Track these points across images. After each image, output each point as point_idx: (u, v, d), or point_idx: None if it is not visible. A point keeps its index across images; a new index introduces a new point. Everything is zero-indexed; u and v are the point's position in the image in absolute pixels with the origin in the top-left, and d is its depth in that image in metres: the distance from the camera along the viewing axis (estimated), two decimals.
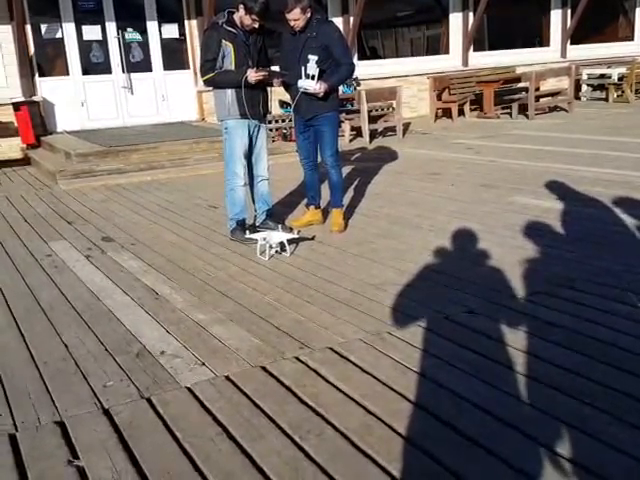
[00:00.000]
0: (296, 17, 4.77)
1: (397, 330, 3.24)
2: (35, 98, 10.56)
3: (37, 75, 10.68)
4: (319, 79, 4.85)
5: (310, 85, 4.86)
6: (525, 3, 15.56)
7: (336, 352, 3.01)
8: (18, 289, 4.16)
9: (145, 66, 11.48)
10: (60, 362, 3.05)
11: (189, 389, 2.71)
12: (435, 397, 2.58)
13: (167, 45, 11.62)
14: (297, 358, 2.96)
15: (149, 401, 2.63)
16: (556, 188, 6.26)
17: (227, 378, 2.80)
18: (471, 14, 13.98)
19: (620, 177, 6.57)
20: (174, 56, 11.72)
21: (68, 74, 10.95)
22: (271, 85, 5.02)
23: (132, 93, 11.42)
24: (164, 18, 11.49)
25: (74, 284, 4.22)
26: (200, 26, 11.48)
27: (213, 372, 2.86)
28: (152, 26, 11.41)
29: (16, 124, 10.20)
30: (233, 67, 4.81)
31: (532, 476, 2.06)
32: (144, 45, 11.44)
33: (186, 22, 11.65)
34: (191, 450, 2.28)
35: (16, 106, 10.09)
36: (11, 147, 10.31)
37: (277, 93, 6.07)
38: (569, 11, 15.33)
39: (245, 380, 2.77)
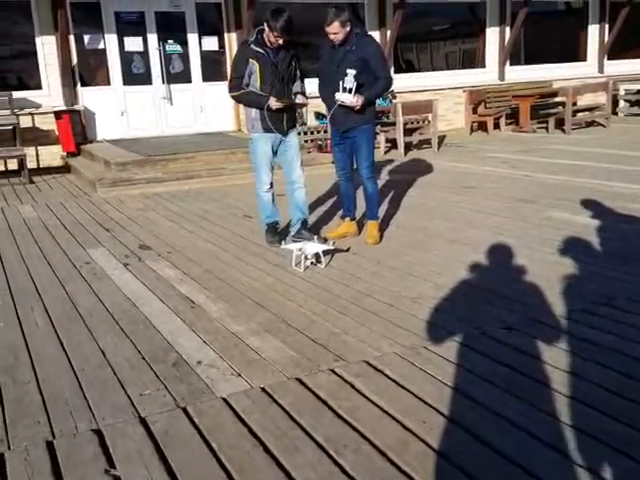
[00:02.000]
0: (335, 31, 4.80)
1: (433, 345, 3.21)
2: (76, 107, 10.79)
3: (79, 84, 10.91)
4: (356, 92, 4.87)
5: (347, 98, 4.89)
6: (562, 18, 15.43)
7: (371, 365, 2.99)
8: (57, 295, 4.24)
9: (185, 77, 11.66)
10: (98, 369, 3.09)
11: (225, 400, 2.73)
12: (471, 414, 2.54)
13: (206, 57, 11.79)
14: (332, 371, 2.96)
15: (185, 411, 2.65)
16: (593, 204, 6.17)
17: (263, 390, 2.80)
18: (507, 28, 13.91)
19: None
20: (213, 68, 11.89)
21: (109, 84, 11.18)
22: (297, 107, 5.11)
23: (171, 103, 11.61)
24: (204, 31, 11.68)
25: (112, 291, 4.29)
26: (239, 39, 11.61)
27: (249, 383, 2.87)
28: (192, 38, 11.59)
29: (57, 132, 10.46)
30: (258, 84, 4.94)
31: None
32: (184, 57, 11.63)
33: (226, 35, 11.82)
34: (226, 462, 2.29)
35: (58, 115, 10.35)
36: (52, 155, 10.59)
37: (313, 105, 6.12)
38: (606, 26, 15.14)
39: (281, 392, 2.77)
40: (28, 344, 3.44)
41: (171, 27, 11.44)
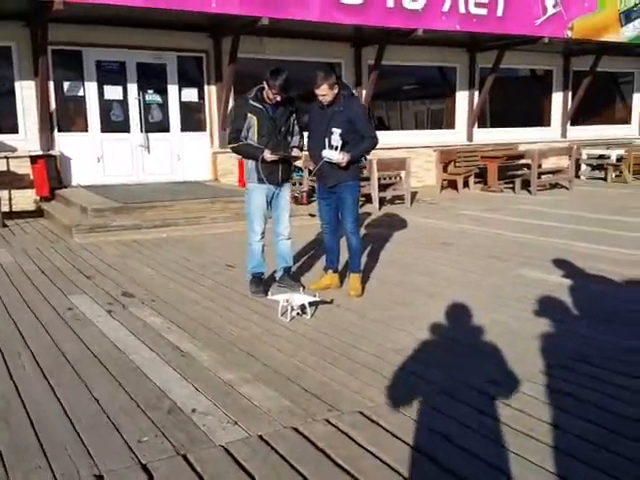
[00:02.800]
0: (324, 92, 5.04)
1: (422, 397, 3.32)
2: (52, 152, 10.84)
3: (56, 130, 10.98)
4: (342, 150, 5.09)
5: (334, 155, 5.10)
6: (527, 84, 16.22)
7: (366, 416, 3.08)
8: (43, 342, 4.23)
9: (163, 126, 11.86)
10: (93, 416, 3.11)
11: (224, 448, 2.77)
12: (466, 464, 2.64)
13: (186, 107, 12.03)
14: (327, 421, 3.04)
15: (185, 458, 2.69)
16: (562, 263, 6.42)
17: (261, 438, 2.86)
18: (476, 92, 14.55)
19: (621, 255, 6.76)
20: (192, 118, 12.12)
21: (87, 131, 11.30)
22: (290, 160, 5.31)
23: (149, 152, 11.75)
24: (185, 82, 11.94)
25: (98, 338, 4.30)
26: (219, 91, 11.95)
27: (246, 432, 2.92)
28: (172, 89, 11.85)
29: (32, 176, 10.46)
30: (256, 137, 5.17)
31: None
32: (163, 106, 11.85)
33: (206, 87, 12.11)
34: None
35: (33, 159, 10.39)
36: (25, 199, 10.58)
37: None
38: (570, 93, 15.96)
39: (278, 441, 2.83)
40: (19, 390, 3.44)
41: (151, 77, 11.68)
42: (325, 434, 2.90)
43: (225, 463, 2.65)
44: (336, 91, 5.08)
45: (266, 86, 5.04)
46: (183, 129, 12.09)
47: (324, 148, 5.12)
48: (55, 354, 4.00)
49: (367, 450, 2.75)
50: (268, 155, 5.07)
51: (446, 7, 11.74)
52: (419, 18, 11.49)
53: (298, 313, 4.75)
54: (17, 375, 3.64)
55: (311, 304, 4.78)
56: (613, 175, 14.63)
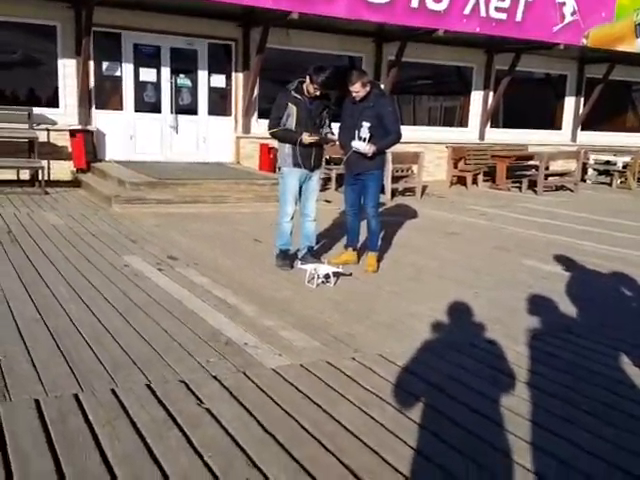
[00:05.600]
0: (357, 89, 5.74)
1: (432, 349, 4.05)
2: (90, 127, 11.59)
3: (94, 107, 11.72)
4: (369, 142, 5.79)
5: (361, 146, 5.79)
6: (541, 87, 16.84)
7: (384, 357, 3.82)
8: (113, 290, 4.98)
9: (192, 109, 12.57)
10: (167, 343, 3.87)
11: (274, 370, 3.52)
12: (461, 391, 3.37)
13: (214, 93, 12.74)
14: (353, 358, 3.78)
15: (245, 374, 3.44)
16: (560, 256, 7.12)
17: (301, 366, 3.61)
18: (491, 93, 15.19)
19: (617, 253, 7.45)
20: (219, 103, 12.84)
21: (122, 109, 12.03)
22: (325, 143, 5.98)
23: (177, 132, 12.47)
24: (214, 68, 12.64)
25: (156, 290, 5.05)
26: (245, 79, 12.66)
27: (290, 361, 3.67)
28: (202, 74, 12.55)
29: (70, 149, 11.20)
30: (294, 125, 5.79)
31: None
32: (193, 91, 12.56)
33: (233, 74, 12.80)
34: (285, 406, 3.08)
35: (72, 133, 11.13)
36: (63, 169, 11.31)
37: None
38: (582, 99, 16.59)
39: (315, 368, 3.58)
40: (102, 323, 4.20)
41: (184, 62, 12.39)
42: (352, 367, 3.65)
43: (276, 380, 3.40)
44: (368, 89, 5.77)
45: (308, 80, 5.66)
46: (210, 113, 12.80)
47: (354, 139, 5.82)
48: (125, 299, 4.76)
49: (386, 379, 3.49)
50: (307, 137, 5.68)
51: (467, 10, 12.34)
52: (441, 19, 12.11)
53: (323, 281, 5.47)
54: (98, 313, 4.40)
55: (334, 274, 5.50)
56: (618, 181, 15.27)
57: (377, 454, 2.73)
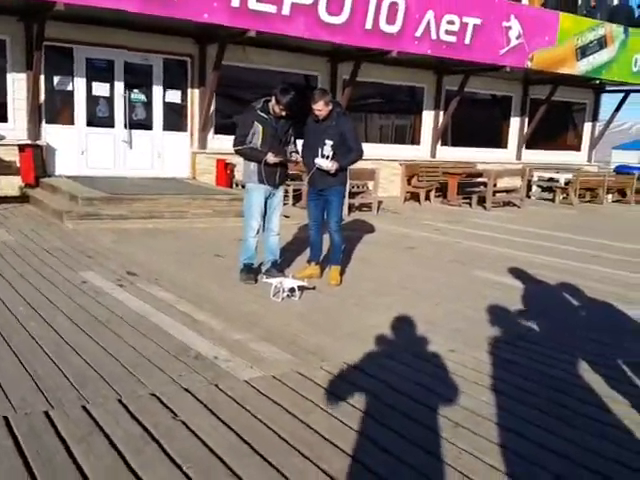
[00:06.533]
0: (320, 108, 5.86)
1: (394, 356, 4.15)
2: (39, 142, 11.37)
3: (44, 121, 11.51)
4: (332, 159, 5.91)
5: (325, 163, 5.91)
6: (489, 108, 17.41)
7: (351, 365, 3.92)
8: (72, 307, 4.91)
9: (146, 124, 12.49)
10: (135, 359, 3.85)
11: (246, 382, 3.55)
12: (425, 395, 3.48)
13: (169, 108, 12.69)
14: (322, 368, 3.86)
15: (217, 387, 3.46)
16: (512, 268, 7.37)
17: (273, 377, 3.65)
18: (441, 112, 15.62)
19: (564, 265, 7.76)
20: (174, 118, 12.78)
21: (73, 124, 11.85)
22: (288, 162, 6.08)
23: (131, 147, 12.36)
24: (169, 84, 12.61)
25: (118, 305, 5.00)
26: (202, 95, 12.66)
27: (261, 373, 3.70)
28: (157, 90, 12.50)
29: (18, 164, 10.96)
30: (260, 143, 5.86)
31: None
32: (147, 105, 12.49)
33: (189, 90, 12.80)
34: (260, 416, 3.12)
35: (21, 148, 10.91)
36: (10, 185, 11.04)
37: None
38: (526, 119, 17.22)
39: (287, 379, 3.64)
40: (64, 339, 4.14)
41: (138, 77, 12.33)
42: (322, 376, 3.72)
43: (249, 391, 3.44)
44: (330, 108, 5.89)
45: (274, 101, 5.76)
46: (165, 128, 12.75)
47: (317, 157, 5.94)
48: (86, 315, 4.69)
49: (355, 387, 3.58)
50: (272, 157, 5.80)
51: (419, 32, 12.69)
52: (394, 40, 12.42)
53: (288, 295, 5.52)
54: (60, 330, 4.33)
55: (299, 288, 5.57)
56: (561, 197, 15.87)
57: (353, 459, 2.79)
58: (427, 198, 14.19)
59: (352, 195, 11.98)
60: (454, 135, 16.38)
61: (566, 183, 15.88)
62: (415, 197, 14.21)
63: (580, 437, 3.14)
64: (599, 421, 3.35)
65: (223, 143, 12.17)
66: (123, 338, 4.21)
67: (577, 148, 19.01)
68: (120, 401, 3.22)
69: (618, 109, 18.01)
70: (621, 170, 18.31)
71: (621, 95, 17.82)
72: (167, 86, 12.61)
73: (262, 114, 5.82)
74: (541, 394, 3.67)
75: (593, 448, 3.03)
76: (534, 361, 4.25)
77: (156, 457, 2.71)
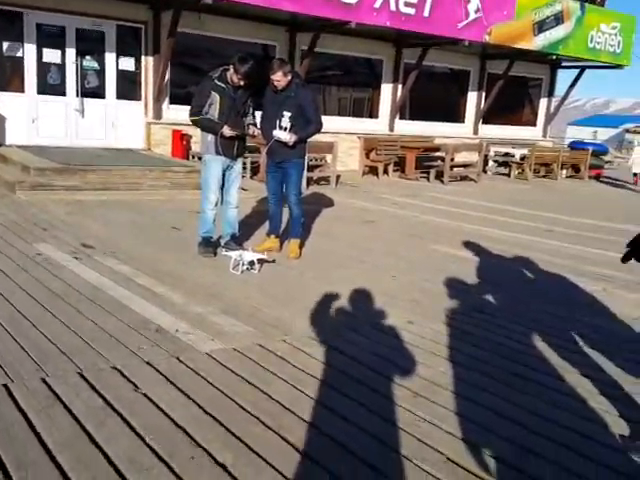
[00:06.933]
0: (278, 78, 5.80)
1: (354, 328, 4.22)
2: None
3: None
4: (290, 131, 5.88)
5: (282, 135, 5.87)
6: (447, 82, 17.53)
7: (312, 338, 3.96)
8: (28, 280, 4.80)
9: (99, 93, 12.17)
10: (95, 332, 3.81)
11: (208, 354, 3.56)
12: (384, 365, 3.55)
13: (122, 76, 12.37)
14: (284, 340, 3.89)
15: (179, 359, 3.46)
16: (467, 242, 7.52)
17: (234, 349, 3.67)
18: (400, 86, 15.66)
19: (518, 239, 7.96)
20: (128, 87, 12.48)
21: (23, 91, 11.46)
22: (246, 136, 6.01)
23: (83, 116, 12.03)
24: (122, 51, 12.27)
25: (75, 278, 4.92)
26: (156, 63, 12.38)
27: (223, 345, 3.72)
28: (110, 57, 12.16)
29: None
30: (217, 114, 5.78)
31: None
32: (100, 73, 12.15)
33: (143, 57, 12.49)
34: (222, 388, 3.15)
35: None
36: None
37: None
38: (483, 94, 17.41)
39: (249, 351, 3.66)
40: (22, 313, 4.06)
41: (90, 44, 11.95)
42: (283, 349, 3.75)
43: (211, 363, 3.45)
44: (289, 78, 5.84)
45: (232, 70, 5.67)
46: (119, 97, 12.44)
47: (275, 128, 5.89)
48: (43, 288, 4.60)
49: (315, 359, 3.62)
50: (227, 131, 5.74)
51: (378, 4, 12.64)
52: (352, 11, 12.35)
53: (247, 268, 5.52)
54: (16, 303, 4.24)
55: (259, 261, 5.57)
56: (516, 172, 16.17)
57: (315, 427, 2.85)
58: (385, 172, 14.27)
59: (311, 168, 11.95)
60: (412, 109, 16.46)
61: (522, 158, 16.17)
62: (373, 171, 14.28)
63: (533, 404, 3.26)
64: (552, 389, 3.48)
65: (179, 114, 11.96)
66: (82, 312, 4.15)
67: (533, 123, 19.35)
68: (81, 374, 3.19)
69: (573, 85, 18.35)
70: (575, 146, 18.73)
71: (577, 71, 18.15)
72: (120, 53, 12.28)
73: (220, 83, 5.74)
74: (496, 363, 3.79)
75: (546, 415, 3.15)
76: (490, 332, 4.37)
77: (118, 429, 2.71)
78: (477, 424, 3.00)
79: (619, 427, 3.06)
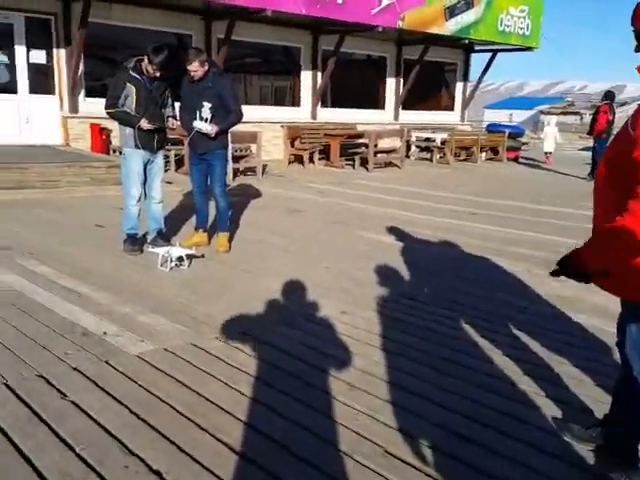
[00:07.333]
0: (195, 69, 5.68)
1: (286, 320, 4.22)
2: None
3: None
4: (211, 122, 5.79)
5: (204, 126, 5.78)
6: (365, 69, 17.70)
7: (247, 334, 3.92)
8: None
9: (10, 87, 11.61)
10: (16, 339, 3.64)
11: (138, 356, 3.47)
12: (313, 355, 3.58)
13: (34, 70, 11.83)
14: (217, 338, 3.84)
15: (108, 363, 3.36)
16: (394, 228, 7.63)
17: (166, 350, 3.59)
18: (319, 73, 15.70)
19: (442, 223, 8.15)
20: (41, 80, 11.95)
21: None
22: (165, 128, 5.88)
23: None
24: (33, 44, 11.74)
25: None
26: (68, 55, 11.91)
27: (153, 346, 3.63)
28: (20, 50, 11.61)
29: None
30: (134, 106, 5.64)
31: None
32: (10, 67, 11.58)
33: (54, 50, 12.00)
34: (155, 391, 3.07)
35: None
36: None
37: None
38: (402, 80, 17.69)
39: (181, 351, 3.59)
40: None
41: None
42: (216, 346, 3.70)
43: (142, 366, 3.36)
44: (206, 68, 5.73)
45: (146, 60, 5.51)
46: (31, 91, 11.92)
47: (195, 119, 5.79)
48: None
49: (250, 355, 3.60)
50: (145, 124, 5.59)
51: None
52: None
53: (176, 264, 5.42)
54: None
55: (187, 256, 5.48)
56: (438, 156, 16.54)
57: (251, 427, 2.83)
58: (311, 160, 14.29)
59: (235, 159, 11.83)
60: (333, 96, 16.55)
61: (442, 143, 16.54)
62: (299, 160, 14.28)
63: (464, 389, 3.33)
64: (482, 372, 3.56)
65: (96, 107, 11.40)
66: (3, 317, 3.96)
67: (450, 108, 19.81)
68: (5, 384, 3.05)
69: (487, 69, 18.89)
70: (492, 129, 19.29)
71: (490, 55, 18.67)
72: (31, 46, 11.75)
73: (135, 74, 5.58)
74: (426, 349, 3.87)
75: (478, 399, 3.21)
76: (420, 318, 4.44)
77: (47, 440, 2.61)
78: (412, 413, 3.04)
79: (550, 409, 3.12)
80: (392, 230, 7.53)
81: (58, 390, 3.03)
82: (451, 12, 15.57)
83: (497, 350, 3.90)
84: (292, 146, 14.21)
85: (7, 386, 3.05)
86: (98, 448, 2.58)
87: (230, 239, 6.37)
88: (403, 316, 4.49)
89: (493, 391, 3.33)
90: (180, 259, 5.41)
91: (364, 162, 14.29)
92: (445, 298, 4.97)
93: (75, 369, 3.27)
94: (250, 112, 14.63)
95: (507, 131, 18.33)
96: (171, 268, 5.36)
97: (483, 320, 4.46)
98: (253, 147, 12.50)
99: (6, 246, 5.83)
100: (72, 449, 2.56)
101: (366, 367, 3.55)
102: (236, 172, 11.74)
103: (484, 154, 17.61)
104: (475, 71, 19.70)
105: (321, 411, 3.01)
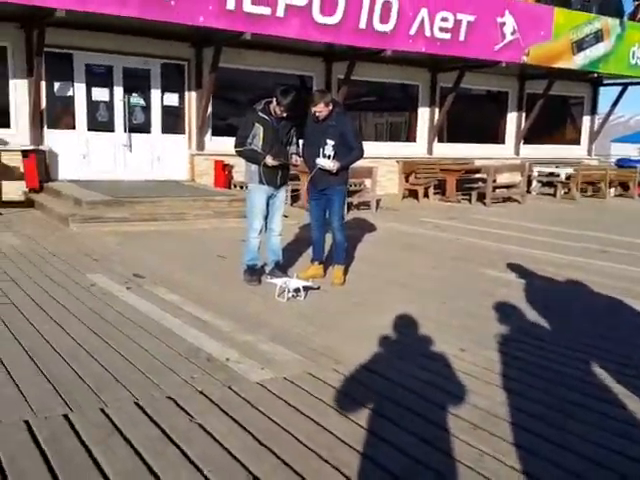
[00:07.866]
0: (320, 109, 5.90)
1: (404, 357, 4.19)
2: (42, 147, 11.40)
3: (46, 127, 11.54)
4: (333, 159, 5.95)
5: (326, 163, 5.96)
6: (485, 104, 17.46)
7: (364, 367, 3.95)
8: (83, 311, 4.95)
9: (145, 128, 12.54)
10: (148, 362, 3.88)
11: (259, 384, 3.59)
12: (436, 393, 3.52)
13: (167, 111, 12.74)
14: (335, 369, 3.89)
15: (231, 389, 3.50)
16: (516, 265, 7.39)
17: (285, 379, 3.69)
18: (437, 109, 15.67)
19: (566, 261, 7.80)
20: (172, 121, 12.82)
21: (74, 128, 11.89)
22: (289, 165, 6.11)
23: (131, 151, 12.39)
24: (167, 87, 12.65)
25: (127, 308, 5.05)
26: (199, 97, 12.70)
27: (273, 374, 3.75)
28: (155, 93, 12.53)
29: (22, 169, 10.97)
30: (260, 144, 5.90)
31: None
32: (146, 109, 12.52)
33: (186, 93, 12.84)
34: (276, 419, 3.17)
35: (25, 153, 10.93)
36: (14, 190, 11.05)
37: None
38: (524, 114, 17.27)
39: (299, 380, 3.67)
40: (79, 343, 4.19)
41: (136, 81, 12.36)
42: (334, 377, 3.75)
43: (263, 393, 3.47)
44: (330, 108, 5.94)
45: (274, 102, 5.81)
46: (164, 131, 12.79)
47: (318, 157, 5.98)
48: (97, 318, 4.74)
49: (369, 388, 3.62)
50: (270, 160, 5.84)
51: (413, 30, 12.72)
52: (388, 39, 12.46)
53: (293, 295, 5.56)
54: (72, 332, 4.39)
55: (304, 288, 5.61)
56: (562, 192, 15.90)
57: (371, 460, 2.83)
58: (426, 195, 14.23)
59: (350, 194, 11.99)
60: (450, 131, 16.42)
61: (567, 177, 15.91)
62: (413, 194, 14.26)
63: (596, 435, 3.15)
64: (615, 419, 3.36)
65: (220, 145, 12.24)
66: (135, 340, 4.25)
67: (576, 142, 19.05)
68: (137, 404, 3.26)
69: (616, 102, 18.07)
70: (622, 163, 18.35)
71: (619, 88, 17.86)
72: (165, 90, 12.65)
73: (263, 115, 5.87)
74: (554, 393, 3.69)
75: (610, 446, 3.04)
76: (545, 359, 4.26)
77: (177, 460, 2.74)
78: (541, 458, 2.91)
79: None
80: (513, 267, 7.31)
81: (186, 412, 3.20)
82: (579, 46, 15.09)
83: (629, 394, 3.66)
84: (407, 181, 14.23)
85: (138, 405, 3.25)
86: (224, 471, 2.68)
87: (345, 272, 6.45)
88: (526, 356, 4.33)
89: (627, 437, 3.13)
90: (297, 290, 5.55)
91: (481, 197, 14.02)
92: (569, 338, 4.74)
93: (201, 392, 3.43)
94: (366, 148, 14.83)
95: (639, 166, 17.34)
96: (288, 299, 5.50)
97: (618, 364, 4.20)
98: (367, 182, 12.64)
99: (141, 275, 6.23)
100: (200, 470, 2.68)
101: (490, 407, 3.44)
102: (350, 206, 11.90)
103: (613, 190, 16.73)
104: (603, 103, 18.87)
105: (442, 449, 2.96)
